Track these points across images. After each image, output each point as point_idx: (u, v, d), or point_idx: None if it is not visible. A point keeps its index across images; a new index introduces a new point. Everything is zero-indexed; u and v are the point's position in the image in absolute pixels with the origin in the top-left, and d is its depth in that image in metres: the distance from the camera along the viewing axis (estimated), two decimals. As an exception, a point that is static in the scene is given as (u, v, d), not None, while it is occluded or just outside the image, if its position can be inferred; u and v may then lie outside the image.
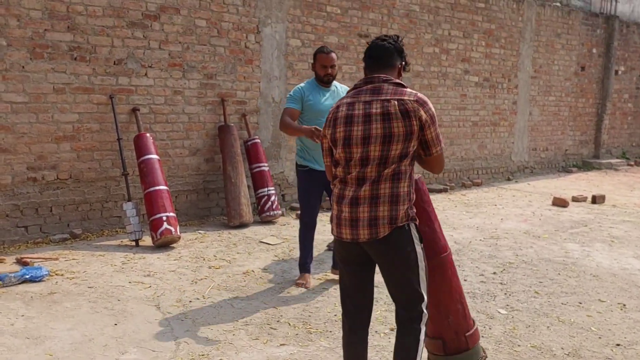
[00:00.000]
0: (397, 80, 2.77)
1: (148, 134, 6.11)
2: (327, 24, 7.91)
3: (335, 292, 4.60)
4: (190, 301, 4.38)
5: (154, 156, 5.99)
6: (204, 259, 5.41)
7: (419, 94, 2.73)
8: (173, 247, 5.75)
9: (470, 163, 10.31)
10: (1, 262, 5.10)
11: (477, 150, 10.39)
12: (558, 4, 11.60)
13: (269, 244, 5.99)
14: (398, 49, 2.85)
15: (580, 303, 4.59)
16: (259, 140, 7.12)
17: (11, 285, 4.53)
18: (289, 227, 6.72)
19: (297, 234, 5.11)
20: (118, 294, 4.46)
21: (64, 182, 5.94)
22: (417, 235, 2.75)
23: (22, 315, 4.00)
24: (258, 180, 6.97)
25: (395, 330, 2.83)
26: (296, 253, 5.66)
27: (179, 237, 5.80)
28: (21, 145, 5.65)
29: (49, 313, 4.06)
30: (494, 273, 5.27)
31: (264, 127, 7.42)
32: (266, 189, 6.92)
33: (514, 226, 7.13)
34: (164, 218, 5.71)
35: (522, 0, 10.72)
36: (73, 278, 4.77)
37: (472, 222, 7.27)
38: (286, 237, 6.27)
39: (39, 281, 4.64)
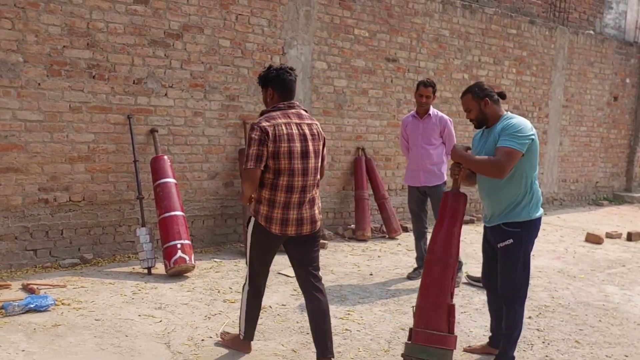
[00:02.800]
0: (303, 107, 3.77)
1: (165, 157, 5.86)
2: (354, 47, 7.65)
3: (358, 335, 4.27)
4: (203, 340, 4.06)
5: (171, 180, 5.73)
6: (218, 291, 5.10)
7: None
8: (187, 277, 5.45)
9: (497, 193, 9.89)
10: (6, 287, 4.84)
11: (505, 181, 9.97)
12: (591, 32, 11.25)
13: (287, 275, 5.66)
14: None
15: (627, 356, 4.20)
16: (280, 165, 6.83)
17: (14, 315, 4.26)
18: (309, 257, 6.38)
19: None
20: (126, 329, 4.16)
21: (77, 204, 5.69)
22: None
23: (23, 350, 3.72)
24: (278, 207, 6.66)
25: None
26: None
27: (194, 266, 5.50)
28: (34, 165, 5.42)
29: (51, 348, 3.78)
30: (529, 317, 4.88)
31: (286, 151, 7.13)
32: (286, 217, 6.60)
33: (546, 264, 6.73)
34: (179, 246, 5.42)
35: (555, 28, 10.40)
36: (80, 308, 4.49)
37: (502, 258, 6.86)
38: (306, 268, 5.93)
39: (44, 311, 4.37)
